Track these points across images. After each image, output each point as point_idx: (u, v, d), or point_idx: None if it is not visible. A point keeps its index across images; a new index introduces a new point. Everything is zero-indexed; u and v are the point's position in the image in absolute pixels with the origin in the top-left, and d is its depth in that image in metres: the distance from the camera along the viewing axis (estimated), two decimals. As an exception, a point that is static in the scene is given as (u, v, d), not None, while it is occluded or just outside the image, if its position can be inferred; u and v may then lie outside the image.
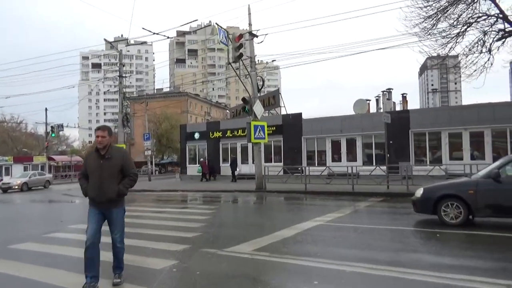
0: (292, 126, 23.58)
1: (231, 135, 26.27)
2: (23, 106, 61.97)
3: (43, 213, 14.40)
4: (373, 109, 27.84)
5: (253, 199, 15.35)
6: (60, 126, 39.36)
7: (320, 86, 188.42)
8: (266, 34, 17.75)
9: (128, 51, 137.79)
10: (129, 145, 71.68)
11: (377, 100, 26.93)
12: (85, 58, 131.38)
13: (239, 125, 26.04)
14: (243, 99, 17.91)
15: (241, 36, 15.99)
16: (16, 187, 27.32)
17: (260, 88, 17.98)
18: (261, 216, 10.75)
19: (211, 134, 27.33)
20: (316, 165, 22.48)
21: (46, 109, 40.17)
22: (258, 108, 17.68)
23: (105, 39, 25.34)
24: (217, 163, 26.99)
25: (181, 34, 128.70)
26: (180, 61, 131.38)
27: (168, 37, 16.44)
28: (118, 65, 26.87)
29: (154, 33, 16.33)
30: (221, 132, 26.90)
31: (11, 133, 69.37)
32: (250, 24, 17.61)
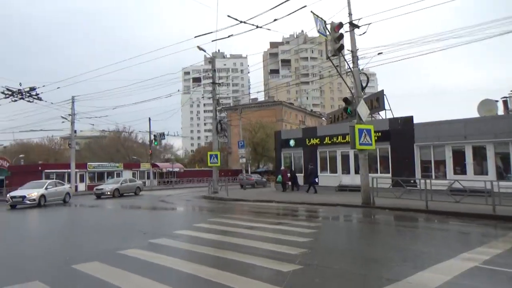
0: (401, 131, 20.40)
1: (329, 142, 23.97)
2: (128, 115, 67.59)
3: (145, 219, 14.01)
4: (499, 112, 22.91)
5: (360, 217, 12.92)
6: (162, 135, 41.33)
7: (420, 88, 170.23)
8: (369, 24, 15.28)
9: (225, 64, 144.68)
10: (227, 153, 73.73)
11: (504, 102, 22.09)
12: (187, 73, 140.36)
13: (339, 130, 23.66)
14: (345, 99, 15.64)
15: (341, 25, 13.84)
16: (108, 193, 27.53)
17: (364, 86, 15.52)
18: (377, 243, 8.32)
19: (307, 141, 25.37)
20: (433, 177, 18.97)
21: (149, 119, 42.64)
22: (362, 109, 15.24)
23: (198, 47, 25.07)
24: (316, 172, 24.84)
25: (274, 45, 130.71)
26: (274, 72, 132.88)
27: (257, 26, 15.06)
28: (211, 72, 26.61)
29: (241, 22, 15.06)
30: (318, 139, 24.76)
31: (124, 143, 76.37)
32: (350, 14, 15.34)
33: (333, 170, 24.12)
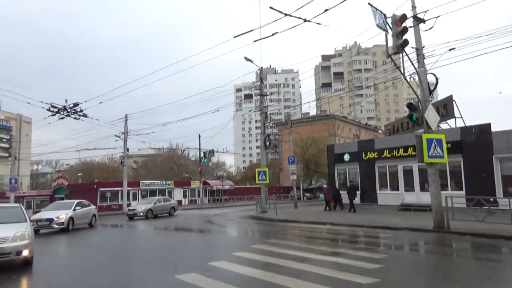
0: (476, 142, 17.57)
1: (389, 155, 21.52)
2: (180, 131, 68.41)
3: (179, 245, 12.79)
4: None
5: (434, 247, 10.62)
6: (212, 152, 40.80)
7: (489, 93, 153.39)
8: (437, 17, 13.16)
9: (276, 80, 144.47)
10: (278, 170, 72.18)
11: None
12: (238, 90, 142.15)
13: (399, 143, 21.19)
14: (409, 105, 13.49)
15: (404, 17, 11.89)
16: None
17: (432, 89, 13.28)
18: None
19: (363, 155, 23.07)
20: (519, 195, 15.95)
21: (199, 136, 42.39)
22: (431, 115, 13.00)
23: (245, 57, 24.13)
24: (373, 189, 22.43)
25: (326, 58, 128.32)
26: (326, 85, 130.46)
27: (305, 20, 13.50)
28: (259, 83, 25.44)
29: (286, 14, 13.48)
30: (376, 153, 22.38)
31: (177, 160, 77.74)
32: (413, 7, 13.31)
33: (394, 187, 21.55)
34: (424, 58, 13.50)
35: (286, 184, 63.15)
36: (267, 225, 17.67)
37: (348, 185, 23.14)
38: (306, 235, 13.59)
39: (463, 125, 18.75)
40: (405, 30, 11.93)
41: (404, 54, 12.39)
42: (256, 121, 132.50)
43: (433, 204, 12.71)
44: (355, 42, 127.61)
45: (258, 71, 25.88)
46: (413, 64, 13.19)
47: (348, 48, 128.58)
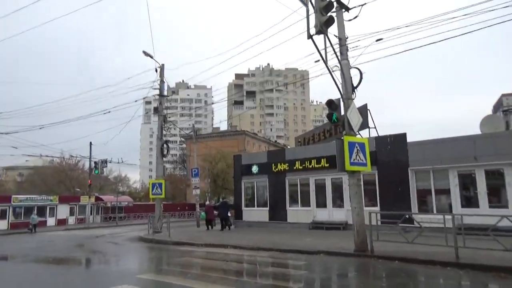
0: (391, 152, 16.28)
1: (301, 167, 19.45)
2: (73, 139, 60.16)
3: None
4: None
5: (361, 279, 8.15)
6: (104, 162, 35.25)
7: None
8: (362, 5, 11.36)
9: (188, 95, 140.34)
10: (185, 186, 67.66)
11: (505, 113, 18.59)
12: (148, 102, 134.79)
13: (312, 153, 19.28)
14: (329, 103, 11.25)
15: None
16: None
17: (356, 85, 11.26)
18: None
19: (273, 167, 20.70)
20: (434, 211, 14.80)
21: (90, 143, 36.53)
22: (354, 115, 10.90)
23: (144, 52, 20.62)
24: (282, 205, 20.08)
25: (239, 77, 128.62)
26: (238, 103, 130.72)
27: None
28: (159, 82, 21.79)
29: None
30: (287, 164, 20.17)
31: (69, 173, 68.53)
32: (338, -9, 11.31)
33: (306, 202, 19.46)
34: (347, 49, 11.46)
35: (193, 200, 59.25)
36: (154, 250, 13.90)
37: (221, 202, 22.85)
38: (201, 263, 10.27)
39: (378, 135, 17.41)
40: (330, 5, 9.69)
41: (328, 39, 10.13)
42: (165, 134, 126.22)
43: (355, 222, 10.45)
44: (268, 64, 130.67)
45: (159, 68, 22.24)
46: (336, 55, 11.04)
47: (261, 69, 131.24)
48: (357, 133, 11.17)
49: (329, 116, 11.25)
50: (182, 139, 79.47)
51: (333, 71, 10.95)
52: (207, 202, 23.92)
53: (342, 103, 11.14)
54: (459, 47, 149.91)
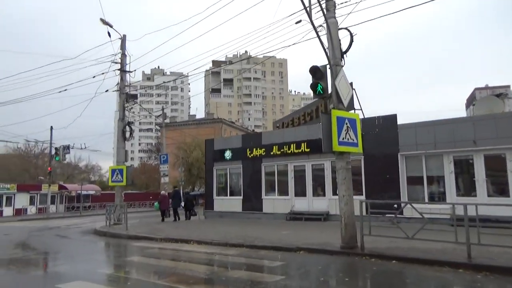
0: (379, 136, 14.57)
1: (278, 152, 17.56)
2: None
3: None
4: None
5: (355, 284, 6.34)
6: (66, 148, 32.31)
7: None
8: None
9: (164, 82, 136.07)
10: (160, 175, 64.96)
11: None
12: (131, 95, 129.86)
13: (291, 137, 17.42)
14: (314, 70, 9.27)
15: None
16: None
17: (346, 49, 9.37)
18: None
19: (248, 152, 18.73)
20: (426, 199, 13.26)
21: (51, 128, 33.47)
22: (343, 85, 9.05)
23: (101, 19, 18.15)
24: (258, 194, 18.20)
25: (217, 64, 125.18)
26: (216, 91, 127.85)
27: None
28: (120, 56, 19.33)
29: None
30: (263, 149, 18.24)
31: (34, 161, 64.74)
32: None
33: (283, 191, 17.64)
34: (335, 5, 9.50)
35: (168, 190, 56.81)
36: (103, 245, 11.76)
37: (173, 191, 20.98)
38: (156, 263, 8.22)
39: (365, 117, 15.66)
40: None
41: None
42: (140, 123, 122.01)
43: (343, 213, 8.62)
44: (246, 51, 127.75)
45: (120, 40, 19.74)
46: (323, 11, 9.09)
47: (239, 56, 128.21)
48: (346, 107, 9.30)
49: (313, 86, 9.30)
50: (158, 127, 76.40)
51: (319, 32, 9.01)
52: (163, 192, 21.70)
53: (329, 72, 9.24)
54: (440, 40, 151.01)
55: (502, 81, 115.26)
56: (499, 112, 13.96)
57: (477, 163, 12.53)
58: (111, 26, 18.56)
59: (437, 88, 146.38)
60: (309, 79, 9.35)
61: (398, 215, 10.62)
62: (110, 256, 9.81)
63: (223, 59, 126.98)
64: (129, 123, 19.30)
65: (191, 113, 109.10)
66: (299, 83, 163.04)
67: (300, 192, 17.00)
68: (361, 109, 16.46)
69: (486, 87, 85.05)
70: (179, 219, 19.35)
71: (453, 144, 12.89)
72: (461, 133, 12.73)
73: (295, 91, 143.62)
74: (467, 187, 12.91)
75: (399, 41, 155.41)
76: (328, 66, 9.16)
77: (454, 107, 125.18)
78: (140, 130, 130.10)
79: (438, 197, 13.36)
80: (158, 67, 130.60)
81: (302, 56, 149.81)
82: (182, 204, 20.55)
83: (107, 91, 20.12)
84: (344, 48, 9.39)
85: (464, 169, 13.11)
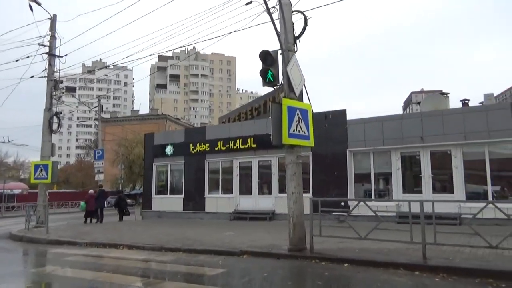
0: (328, 132, 14.11)
1: (223, 147, 16.55)
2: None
3: None
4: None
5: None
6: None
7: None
8: None
9: (106, 75, 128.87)
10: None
11: (465, 104, 17.31)
12: (59, 81, 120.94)
13: (237, 132, 16.52)
14: (264, 55, 8.40)
15: None
16: None
17: (299, 33, 8.61)
18: None
19: (191, 147, 17.50)
20: (373, 197, 13.00)
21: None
22: (295, 72, 8.28)
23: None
24: (201, 192, 17.06)
25: (163, 59, 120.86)
26: (161, 86, 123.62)
27: None
28: (49, 38, 17.19)
29: None
30: (207, 144, 17.12)
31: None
32: None
33: (228, 189, 16.68)
34: (288, -13, 8.69)
35: (107, 189, 53.30)
36: (14, 253, 9.98)
37: (98, 190, 19.15)
38: (57, 279, 6.84)
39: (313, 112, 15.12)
40: None
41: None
42: (78, 118, 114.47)
43: (291, 212, 7.83)
44: (194, 47, 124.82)
45: (50, 20, 17.57)
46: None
47: (186, 52, 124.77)
48: (298, 96, 8.54)
49: (263, 72, 8.42)
50: (96, 122, 71.92)
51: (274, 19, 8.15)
52: (91, 191, 19.68)
53: (280, 58, 8.41)
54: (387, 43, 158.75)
55: (436, 85, 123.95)
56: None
57: (424, 160, 12.47)
58: (39, 4, 16.40)
59: (378, 91, 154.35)
60: (258, 79, 8.46)
61: (344, 214, 10.19)
62: (17, 266, 8.19)
63: (170, 54, 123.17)
64: (57, 113, 17.21)
65: (134, 108, 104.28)
66: (247, 82, 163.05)
67: (245, 190, 16.15)
68: (310, 103, 15.93)
69: (422, 91, 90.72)
70: (102, 221, 17.50)
71: (401, 140, 12.75)
72: (409, 129, 12.62)
73: (242, 90, 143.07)
74: (413, 184, 12.82)
75: (345, 46, 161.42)
76: (279, 52, 8.34)
77: (393, 109, 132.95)
78: (78, 126, 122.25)
79: (385, 194, 13.16)
80: (100, 59, 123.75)
81: (250, 55, 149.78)
82: (106, 204, 18.79)
83: (32, 77, 17.84)
84: (297, 33, 8.64)
85: (411, 165, 13.02)
